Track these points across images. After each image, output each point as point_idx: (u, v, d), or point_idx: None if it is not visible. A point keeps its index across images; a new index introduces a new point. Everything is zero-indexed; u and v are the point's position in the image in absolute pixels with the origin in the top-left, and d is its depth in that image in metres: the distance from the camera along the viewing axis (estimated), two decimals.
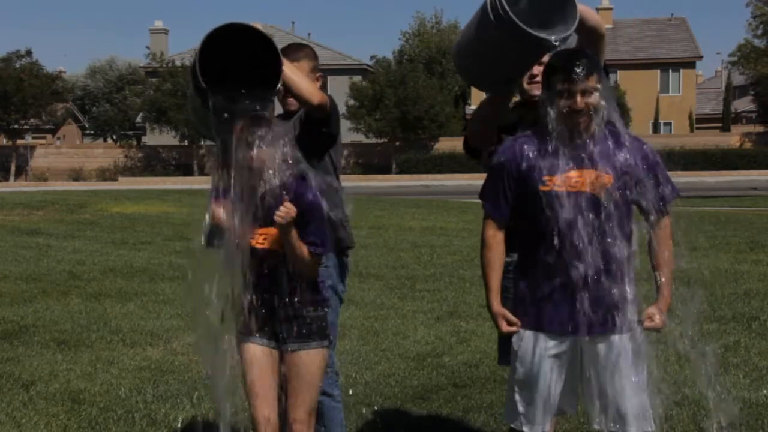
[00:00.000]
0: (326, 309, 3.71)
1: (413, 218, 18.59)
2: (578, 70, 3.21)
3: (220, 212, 3.56)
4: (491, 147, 3.78)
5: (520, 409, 3.42)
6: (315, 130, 3.98)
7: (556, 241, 3.27)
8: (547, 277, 3.33)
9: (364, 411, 5.25)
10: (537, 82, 3.79)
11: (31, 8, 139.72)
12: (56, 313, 8.40)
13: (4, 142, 50.78)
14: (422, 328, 7.65)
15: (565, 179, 3.27)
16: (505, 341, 4.48)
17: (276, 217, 3.46)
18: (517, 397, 3.43)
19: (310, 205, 3.54)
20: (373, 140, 46.95)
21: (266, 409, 3.61)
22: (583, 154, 3.28)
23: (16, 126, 47.84)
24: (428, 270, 11.07)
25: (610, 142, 3.31)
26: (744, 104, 61.59)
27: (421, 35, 61.86)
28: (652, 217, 3.36)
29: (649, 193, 3.33)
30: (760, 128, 49.45)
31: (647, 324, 3.37)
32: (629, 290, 3.35)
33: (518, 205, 3.40)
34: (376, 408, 5.33)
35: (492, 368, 6.19)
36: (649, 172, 3.33)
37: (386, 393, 5.64)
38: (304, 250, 3.53)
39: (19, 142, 49.55)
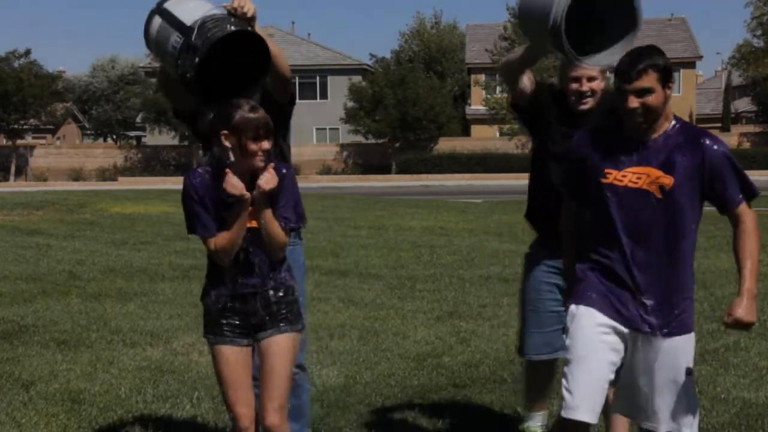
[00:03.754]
0: (296, 294, 3.66)
1: (413, 218, 18.59)
2: (631, 72, 3.24)
3: (235, 179, 3.40)
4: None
5: (572, 385, 3.28)
6: (278, 108, 3.95)
7: (613, 234, 3.31)
8: (605, 267, 3.35)
9: (364, 411, 5.26)
10: (584, 102, 4.21)
11: (31, 8, 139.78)
12: (56, 313, 8.40)
13: (4, 142, 50.76)
14: (422, 328, 7.64)
15: (626, 174, 3.31)
16: (531, 330, 4.51)
17: (260, 182, 3.38)
18: (569, 373, 3.30)
19: (284, 179, 3.50)
20: (373, 141, 46.95)
21: (245, 408, 3.59)
22: (648, 152, 3.31)
23: (16, 126, 47.81)
24: (428, 270, 11.07)
25: (679, 143, 3.32)
26: (744, 104, 61.55)
27: (420, 35, 61.95)
28: (728, 214, 3.39)
29: (720, 194, 3.35)
30: (759, 128, 49.41)
31: (728, 321, 3.33)
32: (686, 290, 3.36)
33: (583, 194, 3.46)
34: (376, 408, 5.33)
35: (492, 368, 6.20)
36: (717, 173, 3.32)
37: (386, 393, 5.64)
38: (276, 224, 3.48)
39: (19, 142, 49.50)
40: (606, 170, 3.34)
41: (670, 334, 3.32)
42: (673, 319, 3.32)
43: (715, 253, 11.91)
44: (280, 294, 3.59)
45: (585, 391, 3.27)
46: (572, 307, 3.39)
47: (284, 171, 3.51)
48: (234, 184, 3.38)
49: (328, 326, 7.64)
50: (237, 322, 3.58)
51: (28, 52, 47.24)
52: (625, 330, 3.33)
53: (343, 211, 20.62)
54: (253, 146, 3.37)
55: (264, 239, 3.50)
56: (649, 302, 3.30)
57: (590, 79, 4.21)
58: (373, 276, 10.63)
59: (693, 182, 3.30)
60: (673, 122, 3.39)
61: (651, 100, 3.26)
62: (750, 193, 3.39)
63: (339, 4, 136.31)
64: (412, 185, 37.01)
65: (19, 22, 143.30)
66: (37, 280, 10.33)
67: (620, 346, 3.34)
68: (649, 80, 3.25)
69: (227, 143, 3.40)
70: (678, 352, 3.34)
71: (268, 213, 3.47)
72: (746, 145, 46.71)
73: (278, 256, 3.56)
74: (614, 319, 3.32)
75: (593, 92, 4.23)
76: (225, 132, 3.39)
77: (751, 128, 51.45)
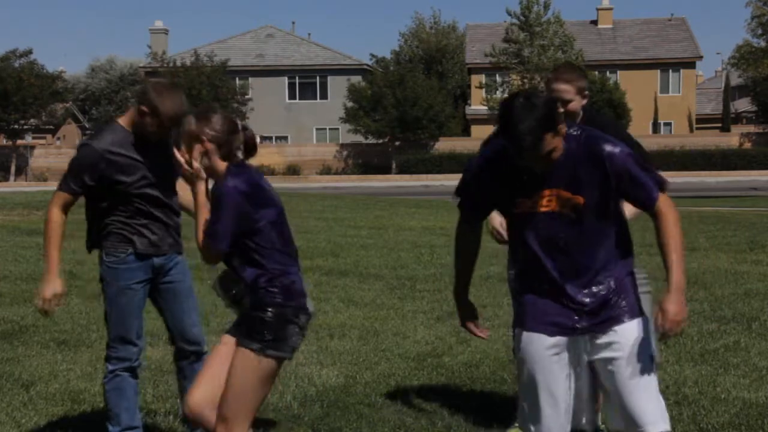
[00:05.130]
0: (268, 310, 3.56)
1: (413, 218, 18.59)
2: (524, 151, 3.08)
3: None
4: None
5: (536, 411, 3.31)
6: None
7: (534, 255, 3.26)
8: (536, 286, 3.30)
9: (364, 411, 5.25)
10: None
11: (31, 8, 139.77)
12: (56, 313, 8.38)
13: (4, 142, 50.74)
14: (422, 328, 7.64)
15: (536, 200, 3.23)
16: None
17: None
18: (524, 402, 3.35)
19: (218, 193, 3.52)
20: (372, 141, 46.96)
21: (197, 393, 3.66)
22: (553, 174, 3.20)
23: (16, 126, 47.80)
24: (428, 270, 11.07)
25: (580, 158, 3.20)
26: (744, 104, 61.56)
27: (419, 35, 61.99)
28: (648, 212, 3.29)
29: (636, 195, 3.26)
30: (759, 128, 49.42)
31: (661, 332, 3.22)
32: (623, 284, 3.29)
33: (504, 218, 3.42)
34: (376, 408, 5.33)
35: (492, 368, 6.20)
36: (625, 180, 3.22)
37: (386, 393, 5.64)
38: (200, 225, 3.59)
39: (19, 142, 49.48)
40: (516, 200, 3.25)
41: (620, 322, 3.26)
42: (618, 309, 3.26)
43: (715, 253, 11.92)
44: (252, 308, 3.59)
45: (551, 418, 3.27)
46: (516, 331, 3.37)
47: (218, 192, 3.55)
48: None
49: (328, 326, 7.64)
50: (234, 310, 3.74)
51: (28, 52, 47.22)
52: (574, 339, 3.28)
53: (343, 211, 20.61)
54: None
55: None
56: (587, 306, 3.24)
57: (565, 102, 4.31)
58: (373, 276, 10.63)
59: (604, 193, 3.21)
60: (572, 132, 3.22)
61: (553, 155, 3.14)
62: (662, 185, 3.27)
63: (339, 4, 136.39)
64: (412, 185, 37.03)
65: (18, 22, 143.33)
66: (37, 280, 10.28)
67: (573, 359, 3.30)
68: (545, 145, 3.08)
69: None
70: (633, 339, 3.26)
71: (196, 200, 3.60)
72: (746, 145, 46.73)
73: (205, 259, 3.59)
74: (560, 334, 3.27)
75: (568, 114, 4.29)
76: None
77: (751, 128, 51.45)
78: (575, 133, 3.23)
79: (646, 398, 3.26)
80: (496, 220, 4.77)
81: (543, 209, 3.23)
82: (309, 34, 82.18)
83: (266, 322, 3.55)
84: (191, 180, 3.60)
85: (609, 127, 4.89)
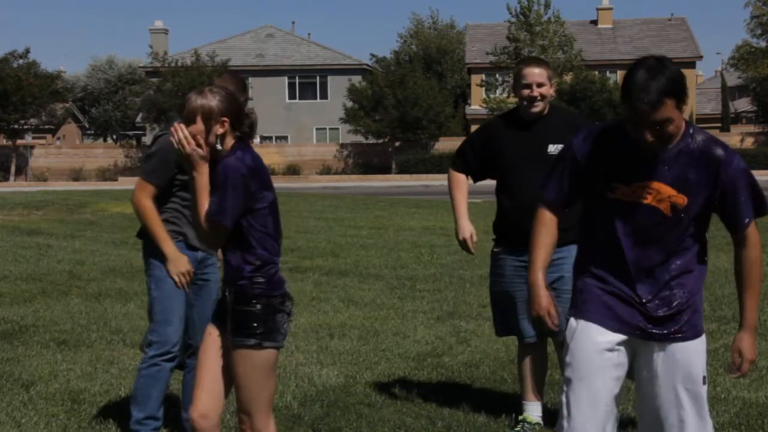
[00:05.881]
0: (256, 303, 3.49)
1: (413, 218, 18.59)
2: (645, 105, 2.91)
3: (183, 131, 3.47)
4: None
5: (573, 408, 3.19)
6: None
7: (615, 247, 3.15)
8: (606, 276, 3.19)
9: (364, 411, 5.25)
10: (535, 106, 4.68)
11: (30, 8, 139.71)
12: (56, 313, 8.41)
13: (4, 142, 50.73)
14: (422, 328, 7.64)
15: (635, 189, 3.11)
16: (502, 312, 4.83)
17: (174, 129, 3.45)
18: (570, 394, 3.20)
19: (224, 169, 3.42)
20: (373, 141, 46.95)
21: (200, 402, 3.56)
22: (661, 167, 3.08)
23: (16, 126, 47.78)
24: (428, 270, 11.07)
25: (693, 157, 3.08)
26: (744, 104, 61.53)
27: (418, 35, 62.04)
28: (734, 233, 3.20)
29: (730, 212, 3.15)
30: (759, 128, 49.42)
31: (735, 373, 3.21)
32: (693, 295, 3.21)
33: (584, 204, 3.27)
34: (376, 408, 5.33)
35: (492, 368, 6.20)
36: (730, 192, 3.11)
37: (386, 393, 5.64)
38: (203, 209, 3.45)
39: (19, 142, 49.44)
40: (613, 185, 3.12)
41: (682, 339, 3.18)
42: (683, 324, 3.18)
43: (715, 253, 11.87)
44: (236, 302, 3.52)
45: (587, 414, 3.16)
46: (571, 320, 3.24)
47: (226, 161, 3.44)
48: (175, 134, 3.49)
49: (328, 326, 7.64)
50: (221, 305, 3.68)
51: (27, 52, 47.19)
52: (631, 339, 3.18)
53: (343, 211, 20.61)
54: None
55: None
56: (654, 311, 3.15)
57: (539, 85, 4.68)
58: (373, 276, 10.63)
59: (705, 199, 3.11)
60: (688, 131, 3.09)
61: (670, 129, 2.99)
62: (761, 210, 3.16)
63: (339, 4, 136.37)
64: (412, 185, 37.02)
65: (18, 22, 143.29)
66: (37, 280, 10.33)
67: (624, 359, 3.20)
68: (667, 110, 2.93)
69: None
70: (691, 358, 3.19)
71: (198, 183, 3.46)
72: (746, 145, 46.73)
73: (206, 244, 3.67)
74: (617, 330, 3.16)
75: (542, 97, 4.69)
76: None
77: (751, 128, 51.44)
78: (691, 131, 3.10)
79: (689, 419, 3.21)
80: (467, 230, 4.85)
81: (639, 200, 3.10)
82: (309, 34, 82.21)
83: (256, 315, 3.49)
84: (194, 160, 3.44)
85: (579, 119, 5.04)
